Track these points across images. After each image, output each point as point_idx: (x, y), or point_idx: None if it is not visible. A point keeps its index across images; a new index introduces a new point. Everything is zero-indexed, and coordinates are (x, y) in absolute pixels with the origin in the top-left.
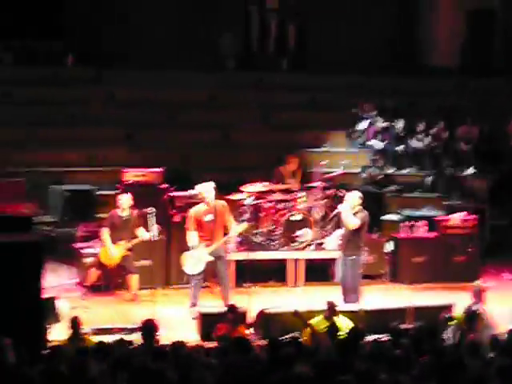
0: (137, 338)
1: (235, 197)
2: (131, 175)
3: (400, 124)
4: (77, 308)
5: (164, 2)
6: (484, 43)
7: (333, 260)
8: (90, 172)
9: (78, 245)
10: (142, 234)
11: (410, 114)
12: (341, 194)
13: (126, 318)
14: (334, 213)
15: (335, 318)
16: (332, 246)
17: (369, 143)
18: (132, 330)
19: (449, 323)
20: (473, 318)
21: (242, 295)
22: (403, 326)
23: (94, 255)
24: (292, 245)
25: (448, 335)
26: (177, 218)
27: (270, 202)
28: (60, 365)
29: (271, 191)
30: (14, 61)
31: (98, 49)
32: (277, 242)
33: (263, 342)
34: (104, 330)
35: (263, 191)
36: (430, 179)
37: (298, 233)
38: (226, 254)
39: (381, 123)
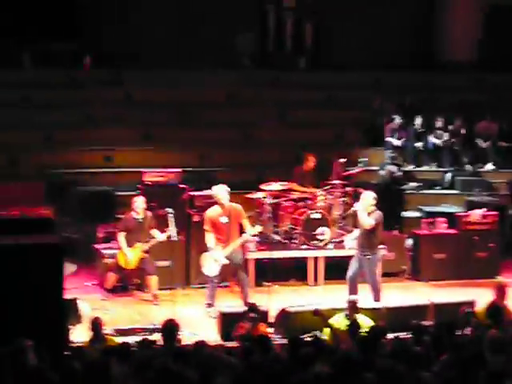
0: (159, 339)
1: (255, 195)
2: (150, 176)
3: (418, 121)
4: (97, 309)
5: (180, 2)
6: (502, 38)
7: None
8: (108, 173)
9: (98, 246)
10: (157, 235)
11: (428, 110)
12: (360, 192)
13: (147, 319)
14: (350, 211)
15: (356, 316)
16: (350, 244)
17: (387, 140)
18: (153, 331)
19: (470, 319)
20: (495, 313)
21: (262, 294)
22: (424, 323)
23: (114, 256)
24: (312, 243)
25: (469, 331)
26: (196, 218)
27: (290, 200)
28: (81, 366)
29: (290, 190)
30: (31, 64)
31: (115, 50)
32: (296, 240)
33: (284, 341)
34: (125, 331)
35: (282, 190)
36: (449, 176)
37: (318, 231)
38: (242, 257)
39: (398, 120)
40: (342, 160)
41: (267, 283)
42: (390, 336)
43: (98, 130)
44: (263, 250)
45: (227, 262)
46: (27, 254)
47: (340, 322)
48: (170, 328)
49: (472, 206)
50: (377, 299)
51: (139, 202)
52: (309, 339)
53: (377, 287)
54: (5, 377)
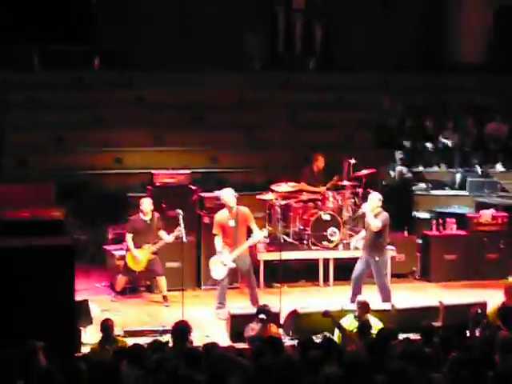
0: (169, 340)
1: (265, 197)
2: (160, 177)
3: (429, 121)
4: (108, 310)
5: (191, 5)
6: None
7: None
8: (118, 174)
9: (109, 247)
10: (164, 236)
11: (437, 111)
12: (370, 193)
13: (157, 320)
14: (359, 213)
15: (366, 317)
16: (356, 244)
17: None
18: (163, 332)
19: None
20: (506, 314)
21: (273, 295)
22: (435, 324)
23: (123, 258)
24: (322, 244)
25: (478, 332)
26: (206, 220)
27: (300, 201)
28: (91, 368)
29: (300, 190)
30: (41, 65)
31: (125, 51)
32: (306, 241)
33: (294, 343)
34: (135, 332)
35: (292, 191)
36: (459, 176)
37: (328, 232)
38: (250, 261)
39: (409, 121)
40: (352, 161)
41: (277, 284)
42: (401, 337)
43: (108, 132)
44: (273, 251)
45: (234, 265)
46: (38, 256)
47: (350, 323)
48: (181, 330)
49: (482, 206)
50: (386, 300)
51: (146, 204)
52: (319, 340)
53: (386, 288)
54: (15, 378)
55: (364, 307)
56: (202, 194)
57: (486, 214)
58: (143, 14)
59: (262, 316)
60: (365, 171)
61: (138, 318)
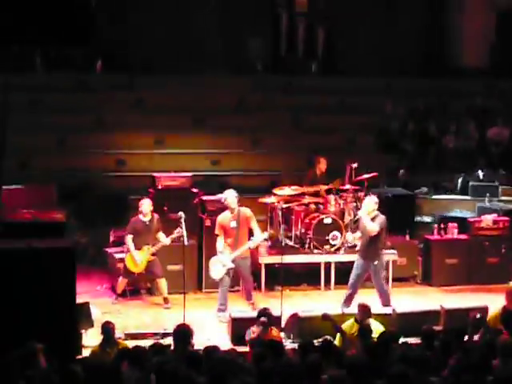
0: (171, 343)
1: (266, 200)
2: (162, 180)
3: (431, 125)
4: (109, 313)
5: (192, 8)
6: None
7: None
8: (121, 177)
9: (110, 250)
10: (163, 238)
11: (440, 115)
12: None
13: (158, 323)
14: (357, 217)
15: (367, 321)
16: (351, 240)
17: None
18: (165, 335)
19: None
20: (508, 319)
21: (274, 299)
22: (435, 329)
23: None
24: (323, 248)
25: (479, 336)
26: (208, 223)
27: (302, 205)
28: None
29: (302, 194)
30: (43, 67)
31: (127, 54)
32: (308, 245)
33: (295, 346)
34: (136, 335)
35: (294, 194)
36: (460, 180)
37: (330, 236)
38: (250, 263)
39: (412, 125)
40: (354, 165)
41: (279, 288)
42: (400, 342)
43: (110, 134)
44: (275, 254)
45: (233, 266)
46: (40, 258)
47: (351, 326)
48: (182, 333)
49: (483, 211)
50: (386, 304)
51: (146, 205)
52: (319, 344)
53: (385, 292)
54: (16, 380)
55: (365, 311)
56: (204, 197)
57: (488, 219)
58: (144, 16)
59: (263, 319)
60: (367, 175)
61: (139, 321)
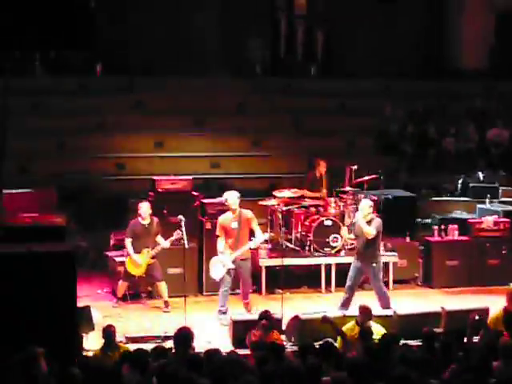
0: (171, 346)
1: (267, 202)
2: (162, 183)
3: (431, 127)
4: (109, 316)
5: (192, 11)
6: None
7: None
8: (120, 180)
9: (110, 253)
10: (161, 241)
11: (439, 117)
12: (373, 199)
13: (159, 326)
14: (354, 220)
15: (369, 323)
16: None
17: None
18: (166, 338)
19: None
20: (510, 320)
21: (275, 301)
22: (436, 330)
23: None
24: (324, 250)
25: (479, 337)
26: (208, 226)
27: (302, 207)
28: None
29: (303, 197)
30: (43, 71)
31: (127, 57)
32: (308, 247)
33: (296, 348)
34: (137, 339)
35: (295, 197)
36: (460, 182)
37: (330, 238)
38: (250, 265)
39: (411, 127)
40: (354, 167)
41: (279, 290)
42: (401, 343)
43: (110, 137)
44: (275, 257)
45: (233, 266)
46: (40, 262)
47: (351, 329)
48: (183, 336)
49: (484, 212)
50: (385, 306)
51: (145, 208)
52: (319, 346)
53: (384, 294)
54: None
55: (366, 313)
56: (204, 200)
57: (488, 220)
58: (143, 17)
59: (264, 322)
60: (366, 177)
61: (140, 324)
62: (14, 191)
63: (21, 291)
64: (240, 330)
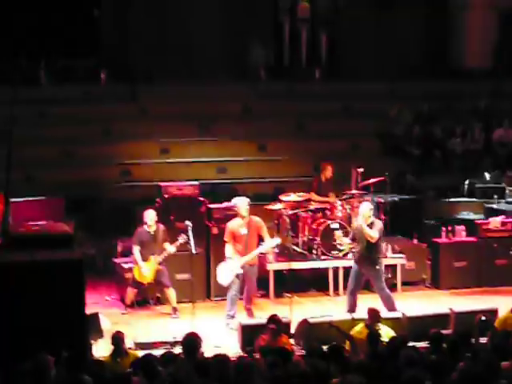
0: (180, 352)
1: (273, 207)
2: (169, 189)
3: (437, 128)
4: (118, 323)
5: (195, 15)
6: None
7: None
8: (127, 187)
9: (118, 260)
10: (168, 247)
11: (444, 117)
12: (381, 201)
13: (167, 332)
14: (354, 225)
15: (377, 326)
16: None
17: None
18: (175, 344)
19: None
20: None
21: (283, 305)
22: (444, 332)
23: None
24: (331, 253)
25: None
26: (215, 231)
27: (308, 211)
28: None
29: (309, 200)
30: (48, 80)
31: (130, 64)
32: (316, 251)
33: (304, 352)
34: (146, 345)
35: (301, 200)
36: (467, 183)
37: (337, 241)
38: (257, 270)
39: (417, 128)
40: (360, 170)
41: (287, 294)
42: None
43: (116, 145)
44: (283, 261)
45: (242, 271)
46: (49, 270)
47: (360, 331)
48: (191, 341)
49: (491, 213)
50: (391, 309)
51: (150, 216)
52: (327, 350)
53: (389, 297)
54: None
55: (375, 315)
56: (210, 206)
57: (495, 221)
58: (146, 24)
59: (271, 326)
60: (373, 180)
61: (149, 331)
62: (21, 200)
63: (30, 299)
64: (249, 335)
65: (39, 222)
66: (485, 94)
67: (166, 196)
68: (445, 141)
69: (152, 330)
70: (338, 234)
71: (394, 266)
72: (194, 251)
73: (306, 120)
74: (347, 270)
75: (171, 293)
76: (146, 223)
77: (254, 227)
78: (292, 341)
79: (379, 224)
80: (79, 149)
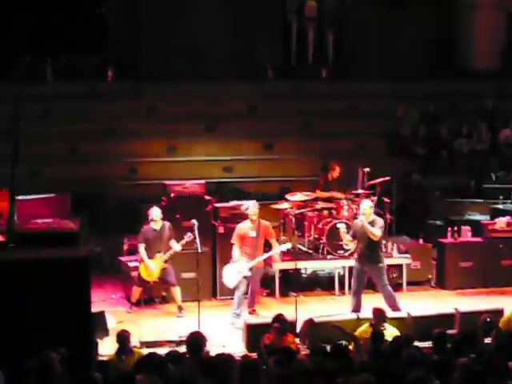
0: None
1: (279, 206)
2: (175, 187)
3: (443, 128)
4: (123, 322)
5: (202, 14)
6: None
7: None
8: (133, 185)
9: (124, 258)
10: (174, 245)
11: (451, 118)
12: (387, 201)
13: (173, 331)
14: (355, 223)
15: (382, 325)
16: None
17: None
18: (180, 343)
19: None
20: None
21: (289, 304)
22: (449, 332)
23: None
24: (337, 253)
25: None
26: (221, 230)
27: (314, 210)
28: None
29: (316, 198)
30: (54, 77)
31: (137, 61)
32: (322, 250)
33: (309, 351)
34: (151, 343)
35: (307, 200)
36: (473, 183)
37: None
38: (262, 271)
39: (423, 128)
40: (367, 169)
41: (293, 293)
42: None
43: (122, 142)
44: (288, 260)
45: (250, 274)
46: (55, 268)
47: (365, 331)
48: (195, 341)
49: (497, 213)
50: (393, 306)
51: (155, 213)
52: (331, 349)
53: (391, 295)
54: None
55: (380, 315)
56: (217, 204)
57: (502, 221)
58: (154, 23)
59: (276, 325)
60: (379, 179)
61: (154, 329)
62: (27, 197)
63: (36, 297)
64: (254, 334)
65: (45, 220)
66: (492, 95)
67: (172, 195)
68: (451, 141)
69: (158, 328)
70: (342, 230)
71: (399, 266)
72: (199, 250)
73: (312, 119)
74: (353, 269)
75: (177, 291)
76: (152, 219)
77: (264, 231)
78: (298, 340)
79: (380, 222)
80: (85, 146)
